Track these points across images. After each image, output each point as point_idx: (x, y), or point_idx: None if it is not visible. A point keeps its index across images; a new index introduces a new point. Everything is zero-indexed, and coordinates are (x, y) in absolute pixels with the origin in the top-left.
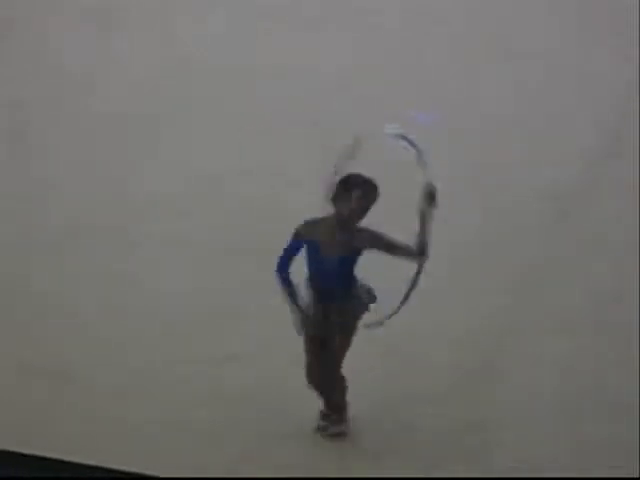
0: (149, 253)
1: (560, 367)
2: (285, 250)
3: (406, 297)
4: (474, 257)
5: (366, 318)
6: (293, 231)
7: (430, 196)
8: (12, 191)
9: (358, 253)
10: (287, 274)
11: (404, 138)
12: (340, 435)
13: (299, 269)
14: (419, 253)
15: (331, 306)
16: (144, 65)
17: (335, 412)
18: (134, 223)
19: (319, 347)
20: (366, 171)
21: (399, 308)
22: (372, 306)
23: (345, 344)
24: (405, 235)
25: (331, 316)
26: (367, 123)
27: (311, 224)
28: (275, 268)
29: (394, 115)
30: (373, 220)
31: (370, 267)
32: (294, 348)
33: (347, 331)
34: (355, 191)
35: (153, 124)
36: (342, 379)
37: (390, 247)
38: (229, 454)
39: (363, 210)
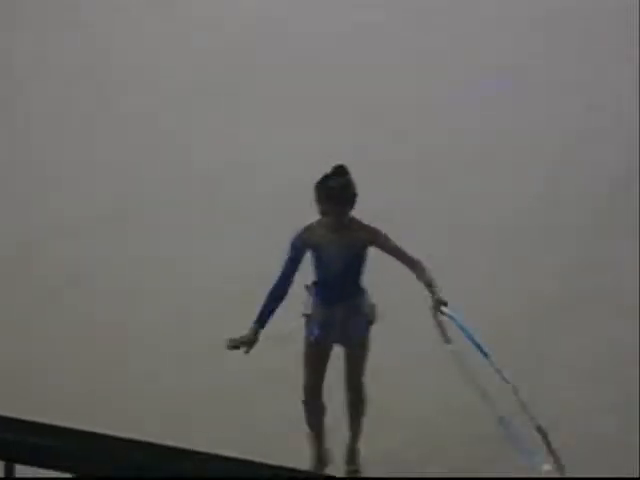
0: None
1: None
2: (284, 268)
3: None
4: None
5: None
6: (290, 244)
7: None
8: None
9: (362, 253)
10: (283, 292)
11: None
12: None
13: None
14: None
15: (337, 310)
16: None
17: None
18: None
19: (324, 360)
20: None
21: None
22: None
23: (361, 358)
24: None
25: (337, 323)
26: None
27: (308, 230)
28: (271, 287)
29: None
30: None
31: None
32: None
33: (359, 343)
34: (339, 178)
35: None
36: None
37: (393, 249)
38: None
39: (345, 203)
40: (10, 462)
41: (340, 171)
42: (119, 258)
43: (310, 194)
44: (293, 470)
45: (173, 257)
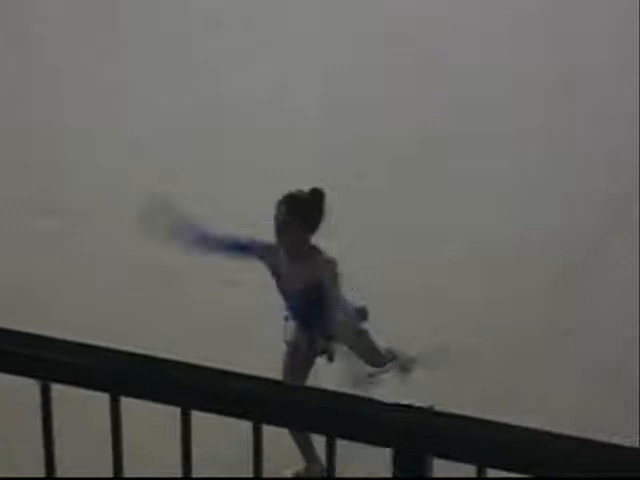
0: None
1: None
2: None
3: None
4: None
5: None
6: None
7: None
8: None
9: (318, 285)
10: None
11: None
12: None
13: None
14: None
15: (313, 334)
16: None
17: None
18: None
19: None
20: None
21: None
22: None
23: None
24: None
25: (316, 343)
26: None
27: (269, 247)
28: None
29: None
30: None
31: None
32: None
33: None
34: (281, 206)
35: None
36: None
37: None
38: None
39: (302, 232)
40: (47, 382)
41: (284, 200)
42: None
43: None
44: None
45: None
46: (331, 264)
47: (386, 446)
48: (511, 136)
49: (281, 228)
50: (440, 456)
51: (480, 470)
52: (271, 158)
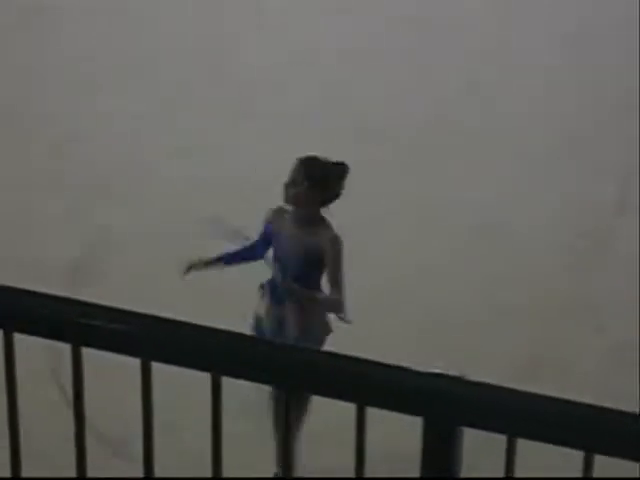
0: None
1: None
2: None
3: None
4: None
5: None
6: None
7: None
8: None
9: (317, 259)
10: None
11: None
12: None
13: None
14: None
15: (286, 311)
16: None
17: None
18: None
19: None
20: None
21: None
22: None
23: None
24: None
25: (286, 324)
26: None
27: (279, 211)
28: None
29: None
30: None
31: None
32: None
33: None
34: (301, 167)
35: None
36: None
37: (332, 267)
38: None
39: (312, 199)
40: (77, 346)
41: (307, 162)
42: None
43: None
44: None
45: None
46: (335, 240)
47: (416, 414)
48: (522, 114)
49: (295, 188)
50: (470, 425)
51: (510, 440)
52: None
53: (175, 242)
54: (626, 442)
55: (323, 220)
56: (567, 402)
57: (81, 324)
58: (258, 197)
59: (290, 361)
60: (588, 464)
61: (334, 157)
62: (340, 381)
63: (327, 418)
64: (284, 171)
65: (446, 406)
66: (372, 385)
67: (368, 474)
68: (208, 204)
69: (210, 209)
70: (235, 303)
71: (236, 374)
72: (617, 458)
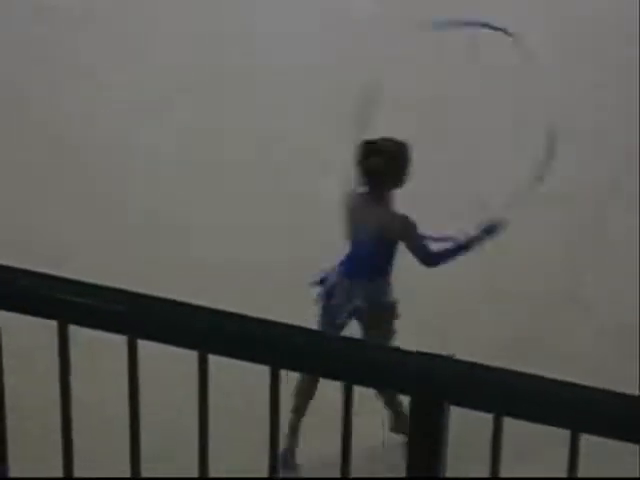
0: None
1: None
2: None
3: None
4: None
5: None
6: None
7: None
8: None
9: (390, 243)
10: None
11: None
12: None
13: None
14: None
15: (355, 287)
16: None
17: None
18: None
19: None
20: None
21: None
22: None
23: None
24: None
25: (354, 300)
26: None
27: (349, 195)
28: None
29: None
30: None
31: None
32: None
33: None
34: (375, 156)
35: None
36: None
37: (415, 247)
38: None
39: (384, 181)
40: (65, 323)
41: (379, 148)
42: None
43: None
44: None
45: None
46: (407, 224)
47: (404, 393)
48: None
49: (372, 175)
50: (457, 404)
51: (497, 419)
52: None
53: None
54: (612, 421)
55: (390, 205)
56: (554, 381)
57: (70, 302)
58: None
59: (278, 339)
60: (574, 443)
61: None
62: (328, 359)
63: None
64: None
65: (434, 384)
66: (360, 363)
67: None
68: None
69: None
70: None
71: (224, 352)
72: (603, 437)
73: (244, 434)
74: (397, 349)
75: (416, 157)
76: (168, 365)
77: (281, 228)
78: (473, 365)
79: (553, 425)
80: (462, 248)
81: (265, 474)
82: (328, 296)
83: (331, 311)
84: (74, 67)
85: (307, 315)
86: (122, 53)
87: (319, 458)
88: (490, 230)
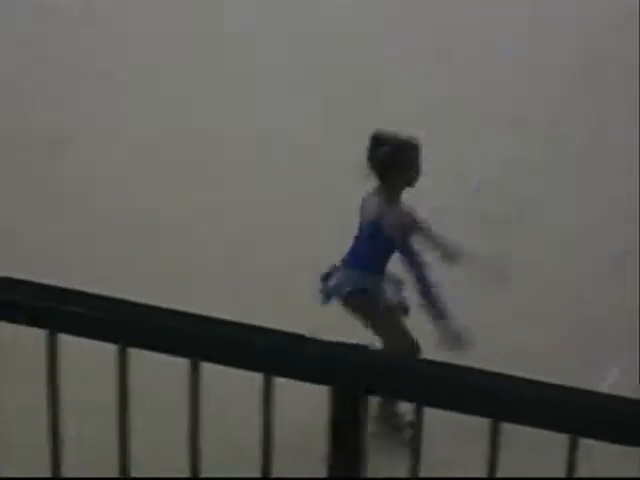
0: None
1: None
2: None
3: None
4: None
5: None
6: None
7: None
8: None
9: (384, 237)
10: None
11: None
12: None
13: None
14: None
15: (346, 276)
16: None
17: None
18: None
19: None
20: None
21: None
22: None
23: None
24: None
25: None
26: None
27: (365, 198)
28: None
29: None
30: None
31: None
32: None
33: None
34: (382, 149)
35: None
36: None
37: (428, 237)
38: None
39: (391, 172)
40: (54, 332)
41: (390, 142)
42: None
43: None
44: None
45: None
46: (400, 222)
47: (322, 384)
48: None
49: (379, 166)
50: (376, 394)
51: (418, 409)
52: None
53: None
54: (529, 409)
55: (399, 200)
56: (471, 369)
57: (51, 310)
58: None
59: (197, 332)
60: (495, 430)
61: None
62: (248, 351)
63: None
64: None
65: (352, 374)
66: (279, 355)
67: (277, 446)
68: None
69: None
70: None
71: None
72: (518, 424)
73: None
74: (315, 340)
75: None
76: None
77: (281, 228)
78: (391, 355)
79: (473, 414)
80: (426, 293)
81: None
82: (324, 279)
83: (324, 295)
84: (74, 67)
85: (307, 316)
86: (122, 53)
87: None
88: (453, 336)
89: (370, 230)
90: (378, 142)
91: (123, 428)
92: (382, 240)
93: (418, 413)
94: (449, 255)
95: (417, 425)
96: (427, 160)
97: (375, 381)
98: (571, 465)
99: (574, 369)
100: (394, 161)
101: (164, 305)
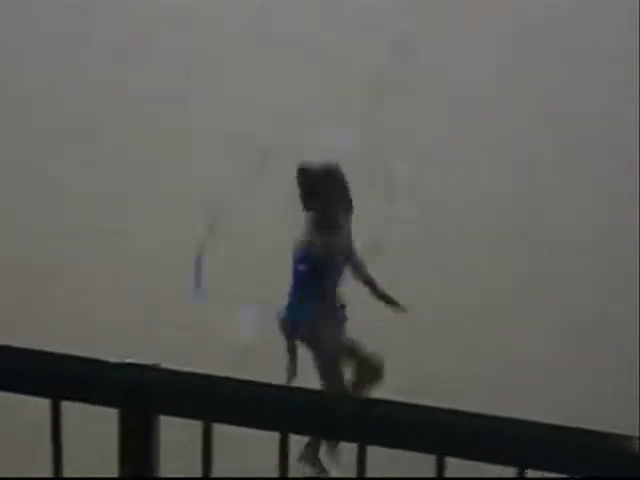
0: None
1: None
2: None
3: None
4: None
5: None
6: None
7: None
8: None
9: (308, 263)
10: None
11: None
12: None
13: None
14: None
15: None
16: None
17: None
18: None
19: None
20: None
21: None
22: None
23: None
24: None
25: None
26: None
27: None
28: None
29: None
30: None
31: None
32: None
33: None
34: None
35: None
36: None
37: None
38: None
39: (303, 199)
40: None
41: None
42: None
43: None
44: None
45: None
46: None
47: (111, 406)
48: None
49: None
50: (166, 413)
51: (207, 425)
52: None
53: None
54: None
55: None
56: (252, 383)
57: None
58: None
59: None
60: (361, 454)
61: None
62: (34, 377)
63: None
64: None
65: (140, 396)
66: (65, 379)
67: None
68: None
69: None
70: None
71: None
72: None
73: None
74: (101, 361)
75: None
76: None
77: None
78: (179, 374)
79: (257, 428)
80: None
81: None
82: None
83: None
84: (74, 66)
85: None
86: (123, 53)
87: None
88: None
89: (299, 258)
90: (302, 174)
91: None
92: (311, 267)
93: (207, 432)
94: (378, 293)
95: (207, 442)
96: None
97: (163, 401)
98: None
99: None
100: (318, 188)
101: None
